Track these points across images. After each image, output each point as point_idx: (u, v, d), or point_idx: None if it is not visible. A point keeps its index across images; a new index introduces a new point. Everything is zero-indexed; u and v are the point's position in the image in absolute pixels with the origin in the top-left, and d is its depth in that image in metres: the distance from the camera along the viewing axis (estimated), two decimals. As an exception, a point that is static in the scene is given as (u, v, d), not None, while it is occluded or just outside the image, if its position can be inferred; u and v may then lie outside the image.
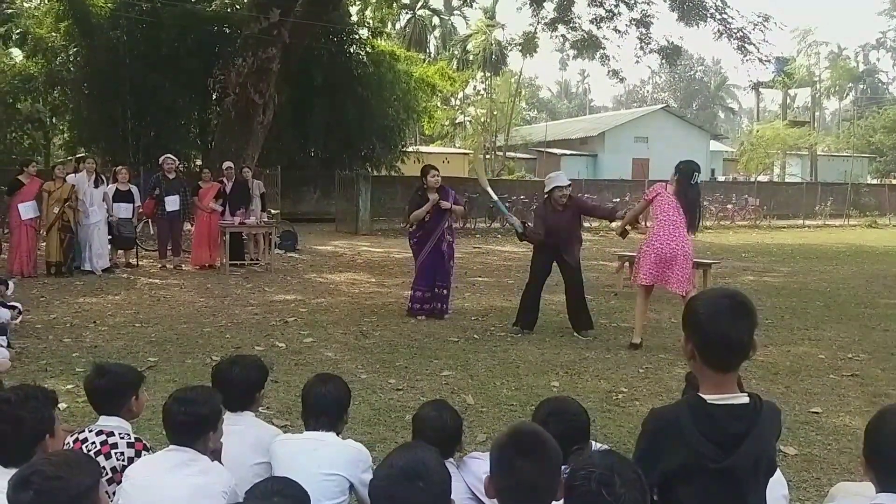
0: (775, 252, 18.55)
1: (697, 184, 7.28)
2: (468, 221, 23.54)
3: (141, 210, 13.28)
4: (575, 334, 7.90)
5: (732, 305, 2.11)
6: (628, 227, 7.88)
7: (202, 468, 2.67)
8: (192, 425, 2.73)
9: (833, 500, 2.68)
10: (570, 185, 8.04)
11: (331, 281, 12.07)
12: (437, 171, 8.85)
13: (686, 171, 7.21)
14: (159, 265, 13.04)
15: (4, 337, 6.77)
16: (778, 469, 2.68)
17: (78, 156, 16.61)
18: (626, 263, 11.18)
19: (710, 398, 2.09)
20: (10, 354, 6.48)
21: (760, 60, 20.49)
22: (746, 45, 19.77)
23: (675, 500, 2.13)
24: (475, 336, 7.84)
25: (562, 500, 1.95)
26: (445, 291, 8.78)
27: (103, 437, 2.96)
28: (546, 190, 8.02)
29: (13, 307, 7.76)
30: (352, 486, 2.90)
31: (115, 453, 2.92)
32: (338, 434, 3.04)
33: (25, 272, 11.49)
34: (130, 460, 2.95)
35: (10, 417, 2.48)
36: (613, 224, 8.59)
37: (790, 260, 16.66)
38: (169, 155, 14.07)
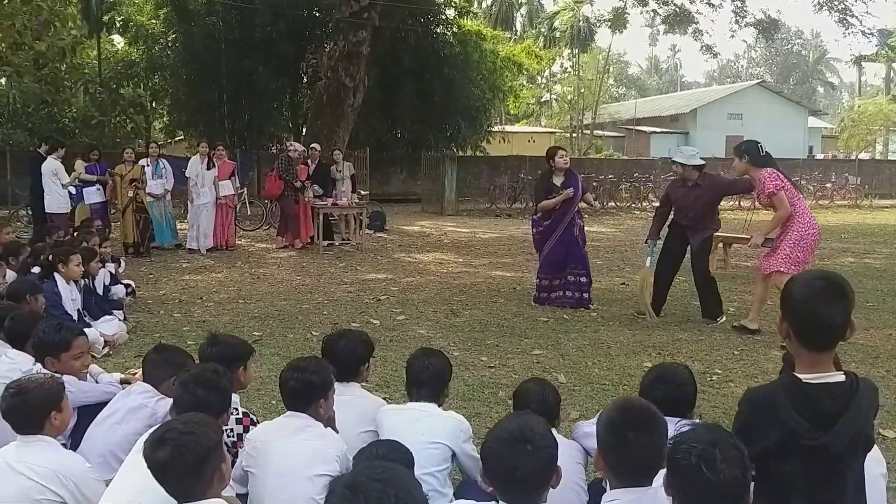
0: (877, 233, 17.83)
1: (769, 154, 6.99)
2: (531, 202, 23.33)
3: (266, 190, 13.63)
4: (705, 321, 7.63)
5: (827, 287, 2.16)
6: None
7: (318, 433, 2.89)
8: (303, 392, 2.94)
9: None
10: (685, 164, 7.56)
11: (419, 261, 12.30)
12: (565, 151, 8.63)
13: (750, 148, 6.94)
14: (287, 244, 13.37)
15: (121, 311, 7.25)
16: (877, 448, 2.72)
17: (152, 140, 17.28)
18: (721, 244, 11.05)
19: (805, 377, 2.15)
20: (126, 327, 6.93)
21: (863, 33, 19.65)
22: (848, 18, 18.95)
23: (772, 477, 2.20)
24: (564, 317, 7.90)
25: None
26: (584, 278, 8.30)
27: None
28: None
29: (127, 285, 8.29)
30: (454, 455, 3.06)
31: (226, 430, 3.10)
32: (439, 406, 3.21)
33: (229, 244, 13.04)
34: (239, 437, 3.19)
35: (217, 387, 2.83)
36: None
37: (892, 241, 16.00)
38: (294, 142, 14.40)
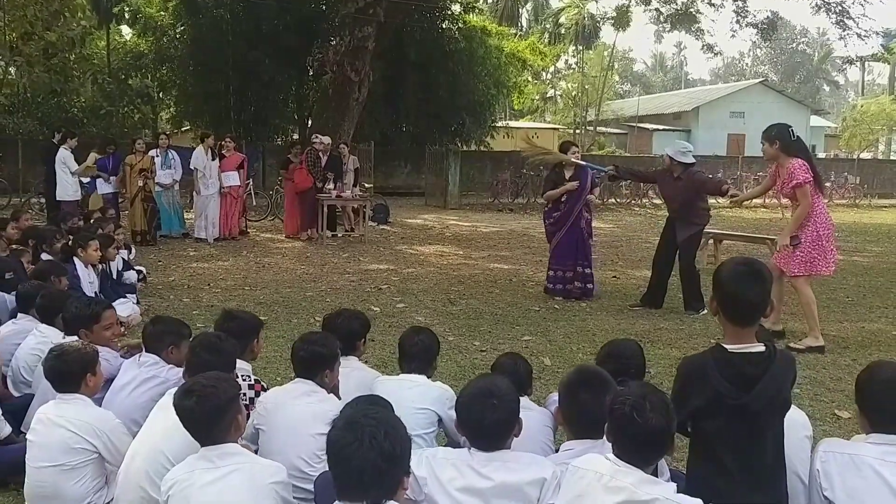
0: (871, 232, 18.15)
1: (799, 138, 6.83)
2: (533, 197, 23.49)
3: (295, 181, 13.92)
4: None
5: (747, 272, 2.57)
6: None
7: (321, 398, 3.30)
8: (311, 361, 3.35)
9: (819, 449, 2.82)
10: (671, 157, 8.02)
11: (420, 252, 12.68)
12: (578, 147, 9.03)
13: (782, 133, 6.66)
14: (305, 236, 13.71)
15: (134, 295, 7.66)
16: (803, 414, 3.11)
17: (160, 132, 17.67)
18: (711, 240, 11.44)
19: (730, 347, 2.55)
20: (139, 310, 7.33)
21: (859, 36, 19.97)
22: (845, 20, 19.27)
23: (703, 432, 2.61)
24: (555, 307, 8.29)
25: None
26: (588, 270, 8.69)
27: None
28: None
29: (139, 271, 8.71)
30: (440, 420, 3.46)
31: (239, 394, 3.54)
32: (428, 377, 3.61)
33: (232, 233, 13.45)
34: (251, 400, 3.59)
35: (219, 349, 3.26)
36: (723, 200, 8.40)
37: (885, 240, 16.33)
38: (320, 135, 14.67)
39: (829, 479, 2.54)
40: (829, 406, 5.09)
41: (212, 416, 2.58)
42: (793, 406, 2.77)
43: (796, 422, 2.91)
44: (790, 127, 6.86)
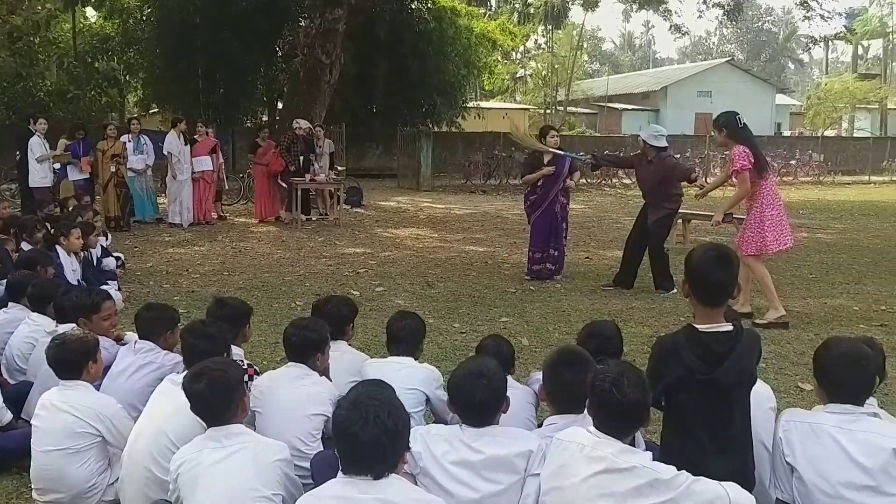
0: (834, 209, 18.59)
1: (746, 125, 7.07)
2: (505, 178, 23.52)
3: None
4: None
5: (716, 256, 2.77)
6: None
7: (314, 381, 3.47)
8: (303, 346, 3.50)
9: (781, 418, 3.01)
10: (645, 141, 8.24)
11: (396, 235, 12.82)
12: (556, 131, 9.17)
13: (729, 121, 6.93)
14: (286, 219, 13.86)
15: (115, 282, 7.71)
16: (768, 387, 3.34)
17: (129, 117, 17.54)
18: (680, 220, 11.69)
19: (701, 327, 2.76)
20: (121, 297, 7.39)
21: (822, 17, 20.34)
22: (809, 1, 19.61)
23: (676, 406, 2.82)
24: (531, 288, 8.50)
25: None
26: (557, 253, 8.84)
27: None
28: None
29: (117, 258, 8.75)
30: (428, 400, 3.63)
31: (245, 377, 3.67)
32: (415, 359, 3.78)
33: (206, 218, 13.50)
34: (245, 384, 3.74)
35: (204, 334, 3.35)
36: (692, 191, 8.83)
37: (847, 217, 16.76)
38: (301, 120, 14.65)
39: (791, 446, 2.76)
40: (792, 379, 5.35)
41: (221, 398, 2.73)
42: (758, 380, 2.99)
43: (762, 395, 3.13)
44: (738, 114, 7.11)
